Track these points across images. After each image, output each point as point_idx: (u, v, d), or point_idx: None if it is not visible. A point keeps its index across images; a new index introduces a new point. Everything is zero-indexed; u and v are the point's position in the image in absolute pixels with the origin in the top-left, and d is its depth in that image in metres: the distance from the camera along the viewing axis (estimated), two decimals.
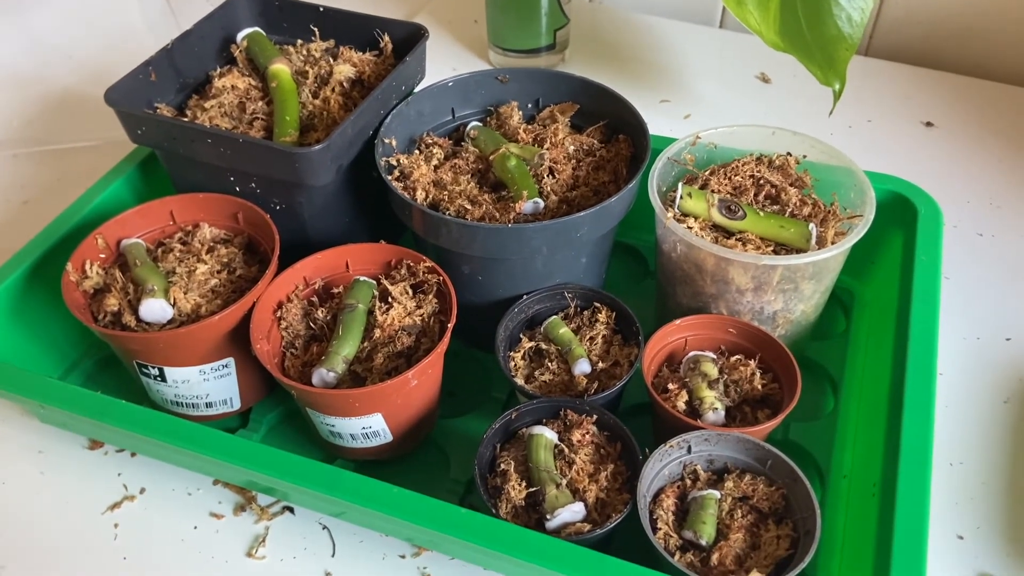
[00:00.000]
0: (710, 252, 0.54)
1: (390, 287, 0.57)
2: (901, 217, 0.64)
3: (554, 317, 0.59)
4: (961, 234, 0.74)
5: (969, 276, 0.70)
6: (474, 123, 0.65)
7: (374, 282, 0.58)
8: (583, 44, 0.97)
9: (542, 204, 0.58)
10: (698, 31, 1.00)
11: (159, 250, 0.60)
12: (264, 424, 0.61)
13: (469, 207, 0.57)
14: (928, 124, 0.86)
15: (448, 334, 0.53)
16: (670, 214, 0.56)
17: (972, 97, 0.89)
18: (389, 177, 0.59)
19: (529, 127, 0.64)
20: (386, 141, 0.61)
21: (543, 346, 0.58)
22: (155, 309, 0.55)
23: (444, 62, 0.96)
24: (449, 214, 0.57)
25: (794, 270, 0.54)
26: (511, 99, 0.67)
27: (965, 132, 0.85)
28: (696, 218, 0.58)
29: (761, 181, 0.60)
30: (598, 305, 0.59)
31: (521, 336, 0.59)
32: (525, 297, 0.59)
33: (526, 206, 0.57)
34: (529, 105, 0.67)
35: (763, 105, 0.89)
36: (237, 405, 0.60)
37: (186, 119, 0.63)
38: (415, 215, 0.56)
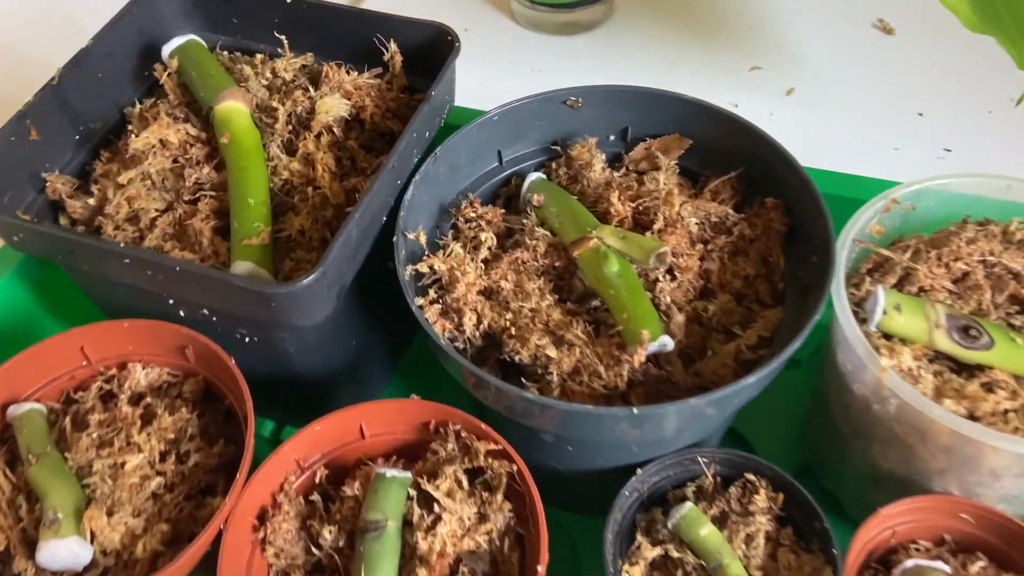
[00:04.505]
0: (959, 433, 0.33)
1: (433, 492, 0.35)
2: None
3: (689, 507, 0.38)
4: None
5: None
6: (534, 176, 0.43)
7: (408, 476, 0.37)
8: None
9: (671, 344, 0.36)
10: None
11: (67, 419, 0.39)
12: None
13: (552, 353, 0.36)
14: None
15: None
16: (884, 363, 0.35)
17: None
18: (421, 302, 0.37)
19: (621, 180, 0.42)
20: (410, 235, 0.39)
21: (674, 553, 0.38)
22: (62, 554, 0.34)
23: (452, 20, 0.72)
24: (520, 359, 0.36)
25: None
26: (585, 132, 0.44)
27: None
28: (905, 342, 0.37)
29: (996, 269, 0.38)
30: (752, 479, 0.39)
31: (638, 532, 0.38)
32: (640, 472, 0.38)
33: (650, 348, 0.35)
34: (612, 137, 0.45)
35: (888, 69, 0.66)
36: None
37: (92, 200, 0.41)
38: (468, 377, 0.35)
